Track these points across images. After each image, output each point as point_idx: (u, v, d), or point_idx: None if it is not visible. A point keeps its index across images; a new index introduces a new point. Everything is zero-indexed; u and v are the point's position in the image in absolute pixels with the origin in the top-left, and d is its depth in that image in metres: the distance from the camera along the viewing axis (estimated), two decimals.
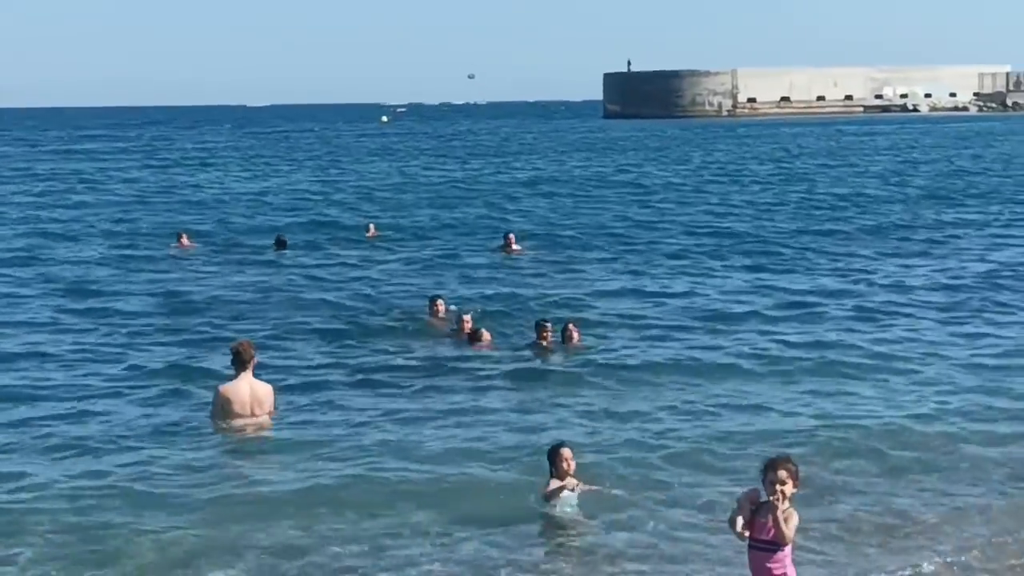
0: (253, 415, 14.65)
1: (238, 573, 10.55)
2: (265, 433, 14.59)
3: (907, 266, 28.43)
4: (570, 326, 18.93)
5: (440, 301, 21.04)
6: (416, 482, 12.87)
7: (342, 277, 27.47)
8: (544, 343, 18.58)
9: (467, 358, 18.44)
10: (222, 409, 14.67)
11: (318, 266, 29.29)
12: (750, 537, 8.37)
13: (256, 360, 14.94)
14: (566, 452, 11.97)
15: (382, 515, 11.94)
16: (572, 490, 11.83)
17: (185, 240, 33.44)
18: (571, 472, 11.89)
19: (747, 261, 29.49)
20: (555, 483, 11.80)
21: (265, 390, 14.85)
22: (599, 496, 12.13)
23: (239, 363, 14.70)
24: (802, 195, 47.68)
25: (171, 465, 13.31)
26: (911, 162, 66.33)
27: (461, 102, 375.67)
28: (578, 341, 18.79)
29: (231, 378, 14.89)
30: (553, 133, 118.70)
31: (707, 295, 24.47)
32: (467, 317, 19.81)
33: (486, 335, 19.19)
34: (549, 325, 18.81)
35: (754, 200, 45.88)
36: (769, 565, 8.33)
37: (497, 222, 38.60)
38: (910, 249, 31.53)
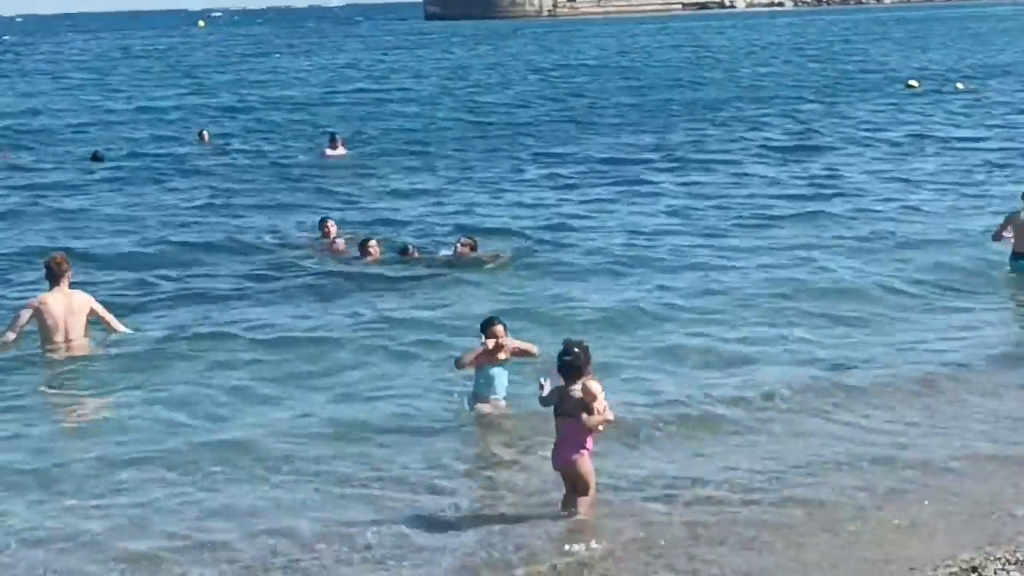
0: (67, 331, 13.36)
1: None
2: (84, 350, 13.41)
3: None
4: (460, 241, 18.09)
5: (331, 222, 19.41)
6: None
7: (179, 189, 25.76)
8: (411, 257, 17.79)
9: (357, 274, 17.32)
10: (28, 323, 13.42)
11: (148, 181, 27.07)
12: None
13: (71, 273, 13.64)
14: (498, 328, 10.95)
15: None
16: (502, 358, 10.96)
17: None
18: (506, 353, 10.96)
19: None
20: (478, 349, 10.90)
21: (81, 300, 13.59)
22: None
23: (52, 277, 13.51)
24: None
25: None
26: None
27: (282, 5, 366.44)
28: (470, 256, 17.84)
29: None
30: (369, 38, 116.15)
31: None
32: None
33: (375, 247, 18.05)
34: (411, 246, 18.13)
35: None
36: None
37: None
38: None
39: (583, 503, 8.99)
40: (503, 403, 11.14)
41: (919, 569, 8.09)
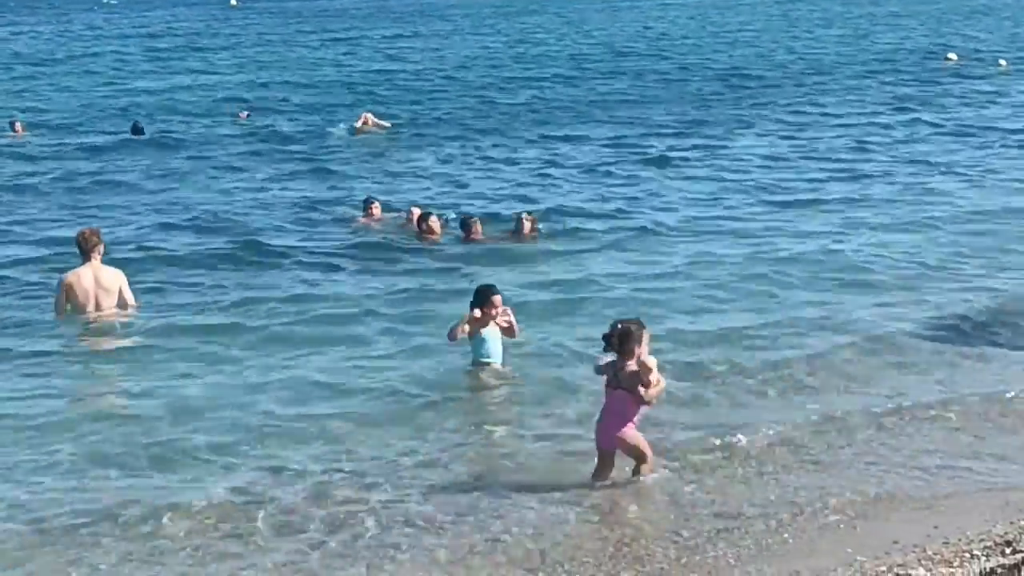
0: (98, 306, 13.52)
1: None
2: (116, 325, 13.46)
3: None
4: (524, 217, 17.87)
5: (376, 203, 19.23)
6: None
7: (215, 169, 25.49)
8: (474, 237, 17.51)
9: (416, 251, 17.24)
10: (66, 300, 13.52)
11: (183, 160, 26.72)
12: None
13: (102, 247, 13.75)
14: (497, 298, 11.19)
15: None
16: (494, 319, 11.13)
17: (19, 128, 31.15)
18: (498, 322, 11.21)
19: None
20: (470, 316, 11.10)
21: (111, 275, 13.68)
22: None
23: (82, 252, 13.63)
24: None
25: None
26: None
27: None
28: (532, 232, 17.69)
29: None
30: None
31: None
32: (414, 209, 18.57)
33: (435, 224, 17.81)
34: (476, 219, 17.80)
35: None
36: None
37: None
38: None
39: (644, 469, 9.18)
40: (499, 367, 11.32)
41: (952, 544, 8.03)
